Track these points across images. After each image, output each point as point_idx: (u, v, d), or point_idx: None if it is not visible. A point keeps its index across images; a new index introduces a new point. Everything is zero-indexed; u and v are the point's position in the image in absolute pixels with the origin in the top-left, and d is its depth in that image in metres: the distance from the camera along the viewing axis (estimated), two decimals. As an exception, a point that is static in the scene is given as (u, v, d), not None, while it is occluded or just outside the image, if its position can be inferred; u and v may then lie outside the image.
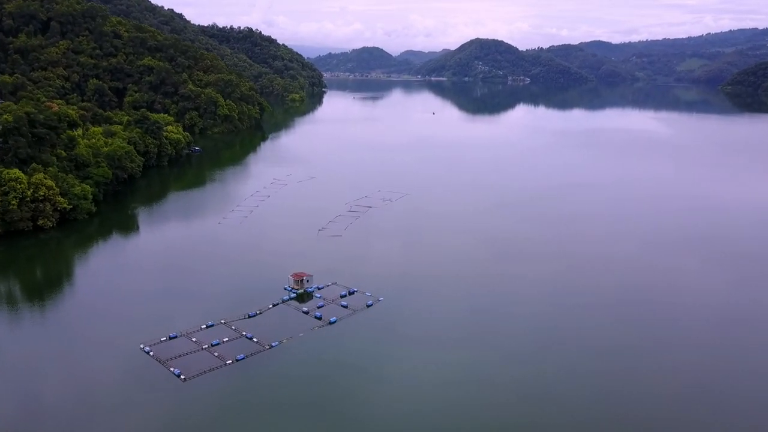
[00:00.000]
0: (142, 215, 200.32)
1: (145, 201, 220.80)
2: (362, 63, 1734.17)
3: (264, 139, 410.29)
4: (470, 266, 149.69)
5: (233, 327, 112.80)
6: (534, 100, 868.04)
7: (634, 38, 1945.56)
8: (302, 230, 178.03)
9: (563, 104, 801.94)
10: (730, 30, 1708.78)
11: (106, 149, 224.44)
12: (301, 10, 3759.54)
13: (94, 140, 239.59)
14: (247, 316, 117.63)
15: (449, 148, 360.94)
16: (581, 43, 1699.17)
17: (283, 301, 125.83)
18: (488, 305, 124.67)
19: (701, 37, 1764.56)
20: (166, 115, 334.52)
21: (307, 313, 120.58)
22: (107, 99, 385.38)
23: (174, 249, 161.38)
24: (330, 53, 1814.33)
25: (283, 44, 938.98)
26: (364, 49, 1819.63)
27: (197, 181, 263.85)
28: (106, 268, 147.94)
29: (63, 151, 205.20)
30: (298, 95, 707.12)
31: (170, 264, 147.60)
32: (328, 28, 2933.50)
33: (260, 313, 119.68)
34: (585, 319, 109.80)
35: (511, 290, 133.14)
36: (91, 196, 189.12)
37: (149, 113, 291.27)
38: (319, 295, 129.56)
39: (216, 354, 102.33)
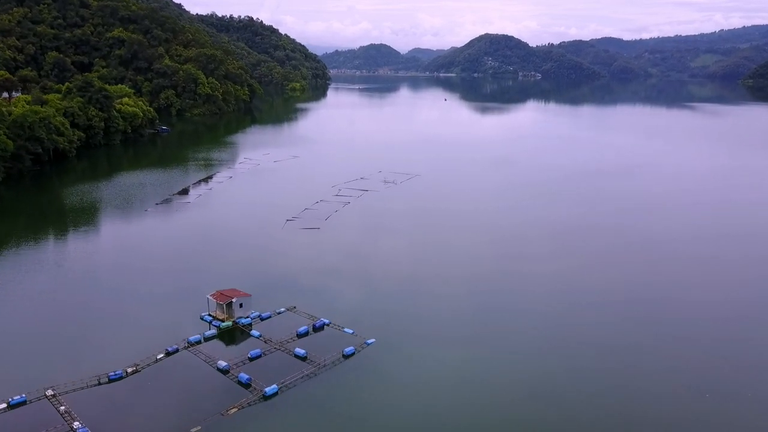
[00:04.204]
0: (51, 205, 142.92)
1: (70, 185, 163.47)
2: (369, 60, 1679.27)
3: (253, 122, 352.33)
4: (499, 276, 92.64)
5: (63, 407, 55.04)
6: (547, 96, 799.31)
7: (645, 36, 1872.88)
8: (262, 221, 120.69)
9: (578, 100, 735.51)
10: (744, 26, 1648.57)
11: (13, 115, 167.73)
12: (309, 9, 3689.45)
13: (12, 107, 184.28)
14: (106, 380, 59.95)
15: (464, 134, 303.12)
16: (593, 39, 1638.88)
17: (189, 345, 67.85)
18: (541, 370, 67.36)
19: (714, 33, 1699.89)
20: (124, 86, 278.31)
21: (226, 372, 62.65)
22: (69, 74, 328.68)
23: (58, 252, 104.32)
24: (337, 50, 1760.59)
25: (286, 34, 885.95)
26: (372, 46, 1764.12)
27: (151, 162, 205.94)
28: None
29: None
30: (298, 84, 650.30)
31: (35, 277, 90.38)
32: (336, 27, 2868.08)
33: (136, 372, 61.90)
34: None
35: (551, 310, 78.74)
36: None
37: (96, 80, 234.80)
38: (257, 333, 71.43)
39: (-18, 487, 44.85)
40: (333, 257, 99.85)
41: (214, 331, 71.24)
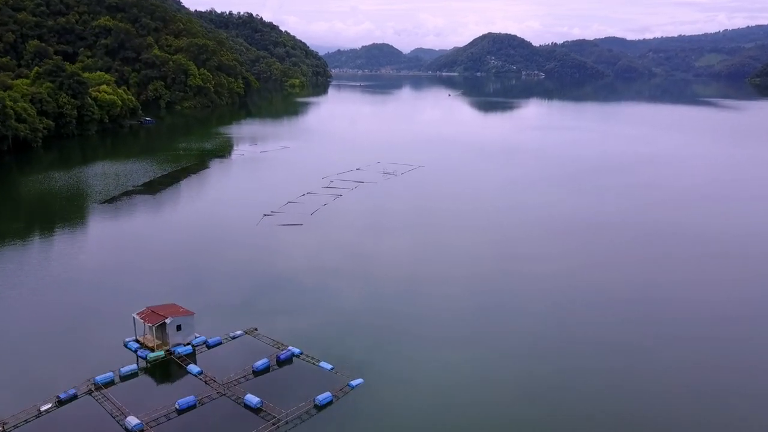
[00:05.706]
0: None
1: (25, 176, 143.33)
2: (372, 59, 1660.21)
3: (248, 115, 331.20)
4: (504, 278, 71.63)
5: None
6: (551, 94, 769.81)
7: (648, 36, 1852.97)
8: (235, 216, 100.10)
9: (583, 98, 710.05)
10: (748, 26, 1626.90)
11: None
12: (312, 9, 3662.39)
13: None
14: (-50, 447, 39.54)
15: (468, 129, 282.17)
16: (596, 38, 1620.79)
17: (95, 387, 47.11)
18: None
19: (718, 33, 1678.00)
20: (102, 73, 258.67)
21: (137, 432, 42.06)
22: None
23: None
24: (339, 50, 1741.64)
25: (286, 31, 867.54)
26: (374, 46, 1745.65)
27: (127, 154, 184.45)
28: None
29: None
30: (298, 80, 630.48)
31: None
32: (339, 28, 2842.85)
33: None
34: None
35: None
36: None
37: (68, 64, 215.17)
38: (197, 370, 50.64)
39: None
40: (316, 260, 79.09)
41: (134, 366, 50.40)
